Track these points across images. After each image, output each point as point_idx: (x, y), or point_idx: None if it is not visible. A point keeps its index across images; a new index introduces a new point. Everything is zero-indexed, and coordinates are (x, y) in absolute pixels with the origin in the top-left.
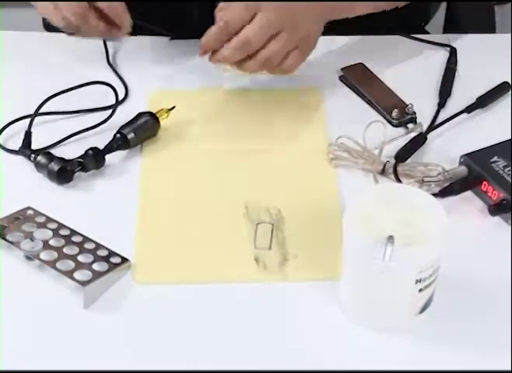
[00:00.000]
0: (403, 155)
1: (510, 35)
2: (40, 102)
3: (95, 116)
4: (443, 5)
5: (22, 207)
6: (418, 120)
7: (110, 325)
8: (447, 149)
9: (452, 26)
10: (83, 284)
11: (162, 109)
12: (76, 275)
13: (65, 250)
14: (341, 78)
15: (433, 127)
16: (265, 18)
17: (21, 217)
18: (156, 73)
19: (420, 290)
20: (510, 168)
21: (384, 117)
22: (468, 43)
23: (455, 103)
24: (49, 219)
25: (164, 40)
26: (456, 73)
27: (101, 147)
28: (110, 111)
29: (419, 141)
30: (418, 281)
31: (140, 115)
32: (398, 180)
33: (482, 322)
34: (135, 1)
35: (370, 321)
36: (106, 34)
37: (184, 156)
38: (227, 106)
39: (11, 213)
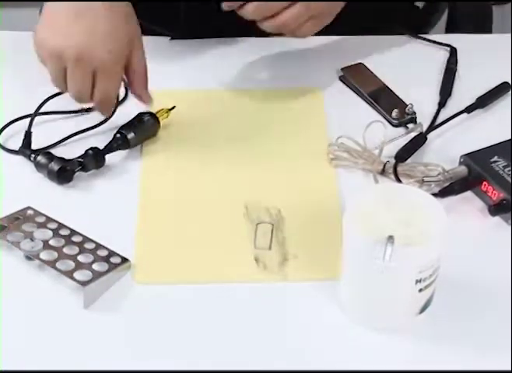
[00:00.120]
0: (403, 155)
1: (510, 35)
2: (40, 102)
3: (95, 116)
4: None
5: (22, 207)
6: (418, 120)
7: (110, 325)
8: (447, 149)
9: (452, 26)
10: (83, 284)
11: (162, 109)
12: (76, 275)
13: (65, 250)
14: (341, 78)
15: (433, 127)
16: None
17: (21, 217)
18: (155, 73)
19: (420, 290)
20: (510, 168)
21: (384, 117)
22: (468, 43)
23: (455, 103)
24: (49, 219)
25: (164, 40)
26: (456, 73)
27: (101, 147)
28: None
29: (419, 141)
30: (418, 281)
31: (140, 115)
32: (398, 180)
33: (482, 322)
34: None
35: (370, 321)
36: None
37: (184, 156)
38: (227, 106)
39: (11, 213)
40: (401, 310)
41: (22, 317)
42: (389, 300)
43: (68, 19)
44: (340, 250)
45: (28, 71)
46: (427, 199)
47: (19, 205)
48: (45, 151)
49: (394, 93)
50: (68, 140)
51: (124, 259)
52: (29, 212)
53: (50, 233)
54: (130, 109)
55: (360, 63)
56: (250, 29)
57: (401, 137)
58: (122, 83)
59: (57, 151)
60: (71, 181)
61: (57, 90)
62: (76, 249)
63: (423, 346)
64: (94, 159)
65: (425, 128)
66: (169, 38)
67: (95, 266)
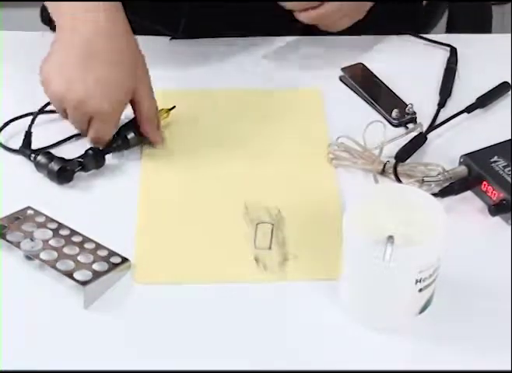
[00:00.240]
0: (403, 155)
1: (510, 35)
2: (40, 101)
3: None
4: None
5: (22, 207)
6: (418, 120)
7: (110, 325)
8: (447, 149)
9: (452, 26)
10: (83, 284)
11: (162, 109)
12: (76, 275)
13: (65, 250)
14: (341, 78)
15: (433, 127)
16: None
17: (21, 217)
18: (155, 73)
19: (420, 290)
20: (510, 168)
21: (384, 117)
22: (468, 43)
23: (455, 103)
24: (49, 219)
25: (164, 40)
26: (456, 73)
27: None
28: None
29: (419, 141)
30: (418, 281)
31: None
32: (398, 180)
33: (482, 322)
34: (135, 1)
35: (370, 321)
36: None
37: (184, 156)
38: (227, 106)
39: (11, 213)
40: (401, 310)
41: (22, 317)
42: (389, 300)
43: (75, 62)
44: (340, 250)
45: (28, 71)
46: (427, 199)
47: (19, 205)
48: (45, 151)
49: (394, 93)
50: (69, 140)
51: (124, 259)
52: (29, 212)
53: (50, 233)
54: (130, 109)
55: (360, 63)
56: (250, 30)
57: (401, 137)
58: None
59: (57, 151)
60: (71, 181)
61: None
62: (76, 249)
63: (423, 346)
64: (94, 159)
65: (425, 128)
66: (169, 38)
67: (95, 266)
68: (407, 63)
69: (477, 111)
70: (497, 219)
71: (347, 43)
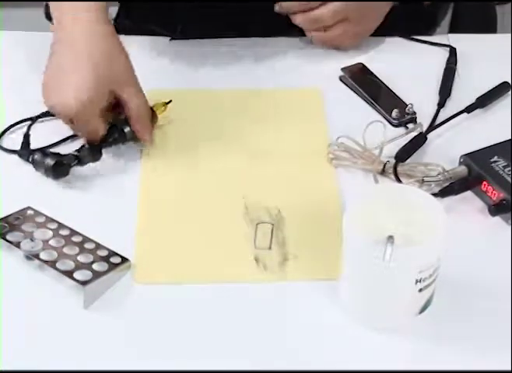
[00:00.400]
0: (403, 155)
1: (510, 35)
2: (40, 102)
3: None
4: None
5: (22, 207)
6: (418, 120)
7: (110, 325)
8: (447, 149)
9: (456, 26)
10: (83, 284)
11: (158, 103)
12: (76, 275)
13: (65, 250)
14: (341, 78)
15: (433, 127)
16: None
17: (21, 217)
18: (155, 73)
19: (420, 290)
20: (510, 168)
21: (384, 117)
22: (468, 43)
23: (455, 103)
24: (49, 219)
25: (164, 40)
26: (456, 73)
27: None
28: None
29: (419, 141)
30: (418, 281)
31: None
32: (398, 180)
33: (482, 322)
34: (135, 1)
35: (370, 321)
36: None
37: (184, 156)
38: (227, 106)
39: (11, 213)
40: (401, 310)
41: (22, 317)
42: (389, 300)
43: (57, 73)
44: (340, 250)
45: (28, 72)
46: (427, 199)
47: (19, 205)
48: (40, 149)
49: (394, 93)
50: (68, 140)
51: (124, 259)
52: (29, 212)
53: (50, 233)
54: None
55: (360, 63)
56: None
57: (401, 137)
58: None
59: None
60: (67, 175)
61: None
62: (76, 249)
63: (423, 346)
64: (90, 152)
65: (425, 128)
66: (169, 38)
67: (95, 266)
68: (407, 63)
69: (477, 111)
70: (497, 219)
71: None
